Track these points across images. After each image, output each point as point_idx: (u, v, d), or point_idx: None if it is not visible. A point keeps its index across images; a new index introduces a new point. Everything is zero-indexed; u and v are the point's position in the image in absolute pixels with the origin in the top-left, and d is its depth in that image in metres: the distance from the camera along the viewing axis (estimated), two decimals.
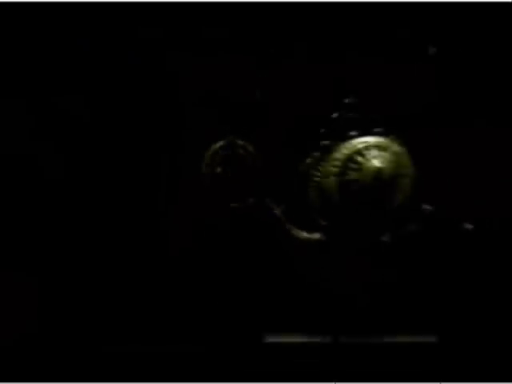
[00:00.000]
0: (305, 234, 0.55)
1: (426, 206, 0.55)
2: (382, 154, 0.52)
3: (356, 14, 0.74)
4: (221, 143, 0.74)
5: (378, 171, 0.51)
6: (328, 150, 0.55)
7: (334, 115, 0.57)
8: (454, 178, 0.71)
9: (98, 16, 0.75)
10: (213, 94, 0.74)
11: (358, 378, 0.76)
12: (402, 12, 0.74)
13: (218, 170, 0.69)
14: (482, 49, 0.74)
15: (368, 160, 0.52)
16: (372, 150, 0.53)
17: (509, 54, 0.74)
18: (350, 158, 0.53)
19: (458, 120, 0.73)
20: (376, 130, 0.54)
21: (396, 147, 0.53)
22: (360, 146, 0.53)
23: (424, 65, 0.73)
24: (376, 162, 0.52)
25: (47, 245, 0.78)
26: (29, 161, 0.78)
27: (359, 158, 0.52)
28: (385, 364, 0.77)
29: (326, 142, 0.55)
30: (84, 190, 0.78)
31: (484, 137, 0.73)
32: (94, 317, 0.79)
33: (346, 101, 0.57)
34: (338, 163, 0.53)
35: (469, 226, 0.61)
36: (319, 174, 0.54)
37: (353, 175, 0.52)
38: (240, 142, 0.71)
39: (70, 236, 0.78)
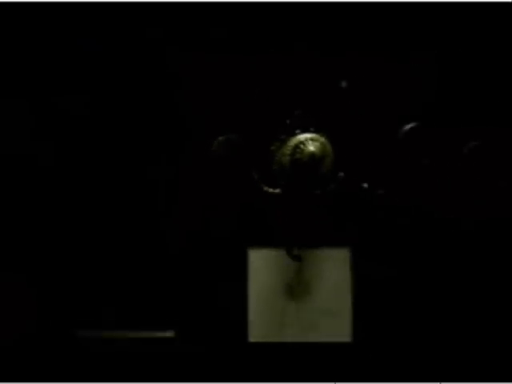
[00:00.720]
0: (271, 190, 0.76)
1: (341, 173, 0.75)
2: (315, 143, 0.74)
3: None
4: (220, 138, 0.77)
5: (313, 153, 0.73)
6: (284, 141, 0.75)
7: (288, 121, 0.75)
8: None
9: (99, 16, 0.75)
10: (213, 93, 0.78)
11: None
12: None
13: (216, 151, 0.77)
14: (481, 49, 0.78)
15: (307, 147, 0.73)
16: (309, 141, 0.74)
17: (509, 54, 0.78)
18: (296, 146, 0.74)
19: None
20: (311, 129, 0.74)
21: (323, 139, 0.74)
22: (302, 139, 0.74)
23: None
24: (311, 148, 0.73)
25: (47, 244, 0.79)
26: (29, 161, 0.78)
27: (302, 146, 0.74)
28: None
29: (283, 136, 0.75)
30: (84, 190, 0.79)
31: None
32: (93, 316, 0.80)
33: (296, 113, 0.75)
34: (290, 148, 0.74)
35: (365, 185, 0.75)
36: (279, 154, 0.75)
37: (298, 156, 0.74)
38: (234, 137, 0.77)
39: (70, 236, 0.79)
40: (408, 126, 0.77)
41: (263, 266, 0.79)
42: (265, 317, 0.79)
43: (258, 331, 0.79)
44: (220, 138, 0.77)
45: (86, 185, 0.78)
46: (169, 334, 0.79)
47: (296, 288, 0.79)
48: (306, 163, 0.75)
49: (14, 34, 0.76)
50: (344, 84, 0.77)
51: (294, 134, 0.77)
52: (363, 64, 0.79)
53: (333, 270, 0.78)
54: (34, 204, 0.78)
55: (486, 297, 0.79)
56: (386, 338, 0.78)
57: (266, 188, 0.78)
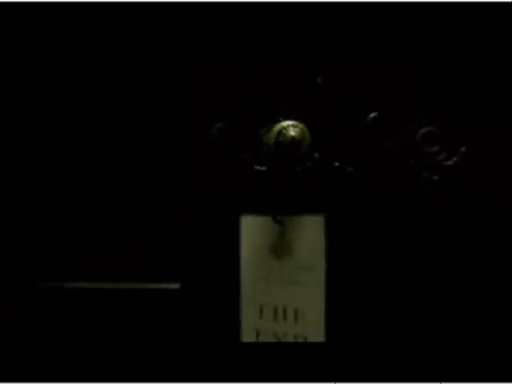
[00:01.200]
0: (259, 168, 0.85)
1: (316, 154, 0.84)
2: (295, 129, 0.82)
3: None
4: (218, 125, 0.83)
5: (293, 137, 0.81)
6: (270, 127, 0.84)
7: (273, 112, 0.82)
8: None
9: (99, 16, 0.75)
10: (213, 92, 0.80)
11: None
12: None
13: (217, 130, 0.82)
14: (481, 49, 0.80)
15: (288, 132, 0.82)
16: (290, 127, 0.82)
17: (509, 54, 0.79)
18: (280, 131, 0.82)
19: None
20: (292, 117, 0.82)
21: (302, 126, 0.82)
22: (285, 125, 0.83)
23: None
24: (292, 133, 0.82)
25: (47, 245, 0.79)
26: (29, 161, 0.76)
27: (284, 131, 0.82)
28: None
29: (268, 124, 0.84)
30: (84, 190, 0.79)
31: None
32: (91, 316, 0.81)
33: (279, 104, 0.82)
34: (275, 133, 0.82)
35: (336, 164, 0.82)
36: (266, 138, 0.84)
37: (281, 139, 0.82)
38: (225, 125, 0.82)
39: (69, 236, 0.79)
40: (372, 115, 0.88)
41: (253, 230, 0.91)
42: (254, 272, 0.91)
43: (247, 280, 0.91)
44: (218, 125, 0.87)
45: (86, 185, 0.80)
46: (174, 286, 0.87)
47: (279, 248, 0.91)
48: (287, 145, 0.85)
49: (13, 34, 0.75)
50: (319, 80, 0.87)
51: (278, 121, 0.87)
52: (337, 60, 0.87)
53: (310, 233, 0.90)
54: (34, 204, 0.79)
55: (483, 295, 0.83)
56: (359, 291, 0.89)
57: (255, 166, 0.89)
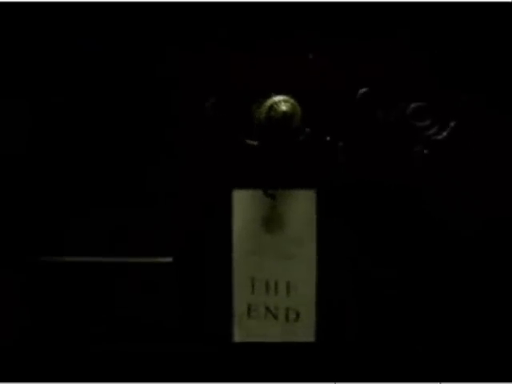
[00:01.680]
0: (249, 141, 0.86)
1: (307, 129, 0.85)
2: (287, 104, 0.82)
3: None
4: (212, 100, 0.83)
5: (284, 112, 0.81)
6: (262, 102, 0.84)
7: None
8: None
9: (99, 16, 0.75)
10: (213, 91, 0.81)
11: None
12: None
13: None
14: (472, 22, 0.81)
15: (279, 107, 0.82)
16: (282, 102, 0.83)
17: (508, 55, 0.81)
18: (271, 106, 0.83)
19: None
20: (283, 93, 0.83)
21: (292, 101, 0.82)
22: (276, 100, 0.83)
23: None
24: (283, 108, 0.82)
25: (47, 245, 0.79)
26: (29, 161, 0.76)
27: (275, 106, 0.82)
28: None
29: (261, 99, 0.84)
30: (84, 190, 0.79)
31: None
32: (88, 315, 0.80)
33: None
34: (266, 108, 0.83)
35: (328, 138, 0.83)
36: (258, 113, 0.84)
37: (273, 113, 0.82)
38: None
39: (69, 236, 0.79)
40: (362, 90, 0.89)
41: (245, 204, 0.91)
42: (246, 245, 0.92)
43: (239, 254, 0.92)
44: (210, 100, 0.87)
45: (86, 184, 0.79)
46: (167, 259, 0.88)
47: (271, 222, 0.91)
48: (279, 120, 0.85)
49: (13, 34, 0.74)
50: (311, 56, 0.88)
51: (269, 96, 0.87)
52: (328, 36, 0.87)
53: (301, 207, 0.91)
54: (34, 204, 0.78)
55: (479, 293, 0.83)
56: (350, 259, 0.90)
57: (247, 141, 0.89)
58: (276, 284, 0.92)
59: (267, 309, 0.92)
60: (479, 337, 0.79)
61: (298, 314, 0.92)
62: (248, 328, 0.87)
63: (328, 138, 0.90)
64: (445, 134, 0.90)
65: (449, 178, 0.89)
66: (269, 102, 0.87)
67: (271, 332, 0.91)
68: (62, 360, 0.78)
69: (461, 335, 0.80)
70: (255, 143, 0.89)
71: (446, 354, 0.78)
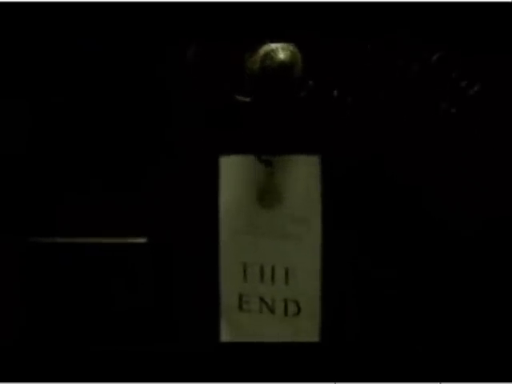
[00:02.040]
0: (242, 98, 0.78)
1: (310, 82, 0.78)
2: (285, 52, 0.75)
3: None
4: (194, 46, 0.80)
5: (282, 60, 0.75)
6: (255, 49, 0.77)
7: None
8: None
9: (99, 16, 0.76)
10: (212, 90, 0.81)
11: None
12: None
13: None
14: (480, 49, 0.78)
15: (276, 55, 0.75)
16: (279, 49, 0.76)
17: (508, 55, 0.78)
18: (266, 54, 0.76)
19: None
20: (280, 40, 0.76)
21: (292, 48, 0.75)
22: (273, 47, 0.76)
23: None
24: (281, 56, 0.75)
25: (47, 245, 0.81)
26: (29, 161, 0.79)
27: (271, 54, 0.75)
28: None
29: (255, 45, 0.77)
30: (84, 190, 0.81)
31: None
32: (85, 315, 0.82)
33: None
34: (260, 56, 0.76)
35: (335, 93, 0.77)
36: (250, 62, 0.78)
37: (268, 63, 0.75)
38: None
39: (69, 236, 0.81)
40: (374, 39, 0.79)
41: (234, 173, 0.81)
42: (236, 224, 0.82)
43: (228, 234, 0.82)
44: (192, 47, 0.80)
45: (86, 184, 0.81)
46: (141, 240, 0.82)
47: (266, 195, 0.81)
48: (276, 71, 0.77)
49: (13, 34, 0.77)
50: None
51: (265, 43, 0.79)
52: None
53: (303, 176, 0.80)
54: (33, 203, 0.80)
55: (479, 293, 0.80)
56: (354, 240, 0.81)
57: (237, 97, 0.80)
58: (273, 270, 0.82)
59: (262, 300, 0.83)
60: (479, 337, 0.78)
61: (298, 307, 0.82)
62: (238, 324, 0.83)
63: (335, 93, 0.81)
64: (475, 89, 0.80)
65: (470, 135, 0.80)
66: (264, 49, 0.78)
67: (267, 329, 0.83)
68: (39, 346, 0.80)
69: (461, 335, 0.78)
70: (247, 99, 0.81)
71: (446, 353, 0.77)
